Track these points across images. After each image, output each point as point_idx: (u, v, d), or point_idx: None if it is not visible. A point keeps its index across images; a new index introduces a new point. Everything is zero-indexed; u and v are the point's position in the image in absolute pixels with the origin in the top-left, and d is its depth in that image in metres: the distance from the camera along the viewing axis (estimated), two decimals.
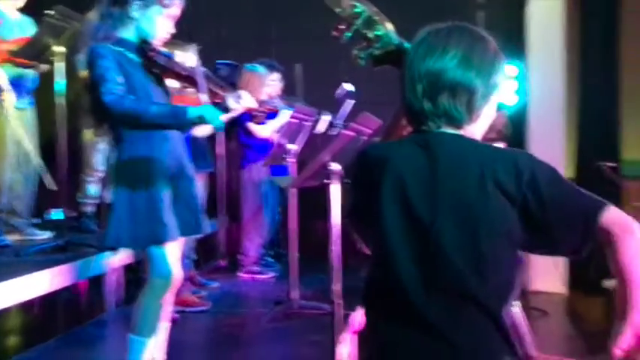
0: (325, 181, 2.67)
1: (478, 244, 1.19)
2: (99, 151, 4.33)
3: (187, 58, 3.73)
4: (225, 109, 2.46)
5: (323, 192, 3.23)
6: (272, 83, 4.68)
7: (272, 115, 4.06)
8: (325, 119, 4.43)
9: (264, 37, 5.69)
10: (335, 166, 2.62)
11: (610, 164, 4.75)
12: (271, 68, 4.71)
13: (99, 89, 2.16)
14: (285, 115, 4.16)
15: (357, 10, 1.60)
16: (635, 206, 4.71)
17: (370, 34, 1.59)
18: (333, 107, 4.63)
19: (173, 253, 2.33)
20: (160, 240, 2.27)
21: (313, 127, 4.05)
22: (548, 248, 1.24)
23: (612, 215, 1.17)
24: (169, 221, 2.29)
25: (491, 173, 1.20)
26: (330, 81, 5.38)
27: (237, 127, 4.58)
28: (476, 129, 1.31)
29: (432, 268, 1.21)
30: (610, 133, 5.47)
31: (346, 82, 4.70)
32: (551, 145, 5.07)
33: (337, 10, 1.62)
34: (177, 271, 2.34)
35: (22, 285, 2.85)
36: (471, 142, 1.29)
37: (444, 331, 1.19)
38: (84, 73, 4.13)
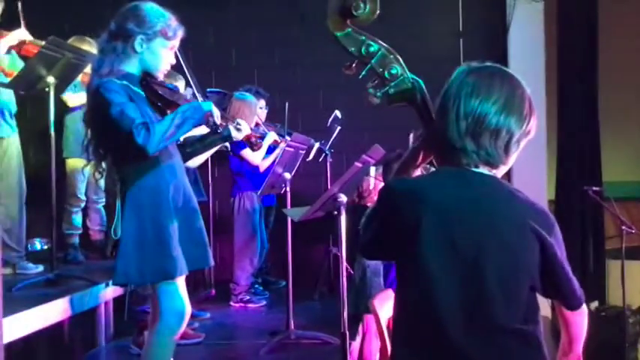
0: (334, 212, 2.70)
1: (517, 280, 1.26)
2: (83, 181, 4.33)
3: (179, 87, 3.78)
4: (228, 138, 2.51)
5: (312, 220, 3.28)
6: (259, 110, 4.73)
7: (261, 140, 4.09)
8: (316, 147, 4.51)
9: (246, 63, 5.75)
10: (344, 198, 2.66)
11: (594, 188, 4.88)
12: (258, 95, 4.77)
13: (126, 129, 2.16)
14: (271, 137, 4.20)
15: (372, 49, 1.63)
16: (617, 224, 4.84)
17: (386, 73, 1.63)
18: (314, 133, 4.73)
19: (183, 287, 2.33)
20: (171, 275, 2.27)
21: (306, 155, 4.09)
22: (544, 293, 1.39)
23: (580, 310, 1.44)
24: (178, 255, 2.28)
25: (531, 223, 1.30)
26: (309, 107, 5.52)
27: (227, 154, 4.61)
28: (503, 170, 1.38)
29: (474, 303, 1.26)
30: (590, 156, 5.63)
31: (334, 109, 4.81)
32: (535, 169, 5.21)
33: (351, 49, 1.65)
34: (188, 306, 2.34)
35: (19, 321, 2.80)
36: (512, 188, 1.37)
37: None
38: (74, 100, 4.19)
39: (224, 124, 2.47)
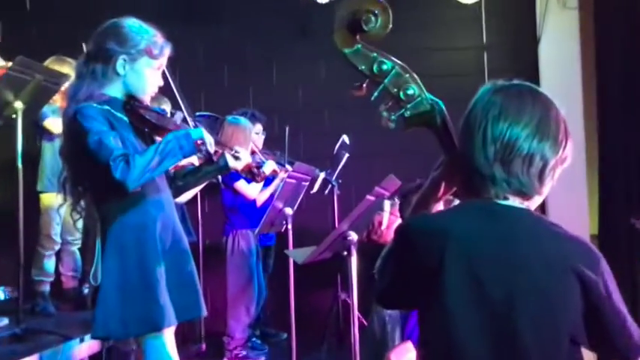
0: (344, 253, 2.72)
1: (556, 332, 1.28)
2: (57, 220, 4.34)
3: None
4: (225, 169, 2.54)
5: (318, 262, 3.29)
6: (255, 136, 4.77)
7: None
8: (320, 177, 4.54)
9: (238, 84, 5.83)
10: (354, 236, 2.68)
11: None
12: (253, 119, 4.82)
13: (103, 162, 2.18)
14: (270, 166, 4.22)
15: (385, 67, 1.67)
16: None
17: (401, 94, 1.67)
18: (319, 162, 4.77)
19: (171, 340, 2.34)
20: (158, 325, 2.27)
21: (310, 187, 4.13)
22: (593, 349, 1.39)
23: None
24: (166, 303, 2.29)
25: (571, 261, 1.31)
26: (313, 132, 5.57)
27: (218, 187, 4.65)
28: (538, 201, 1.40)
29: (506, 354, 1.27)
30: (638, 184, 5.61)
31: (341, 133, 4.85)
32: (574, 199, 5.22)
33: (361, 67, 1.69)
34: None
35: None
36: (547, 222, 1.38)
37: None
38: (58, 125, 4.21)
39: (219, 151, 2.50)
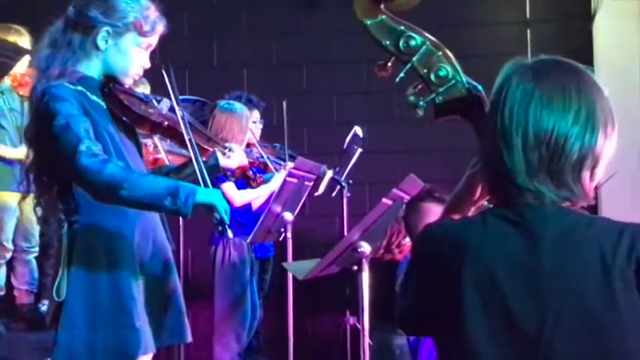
0: (353, 267, 2.73)
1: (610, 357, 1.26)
2: (12, 222, 4.35)
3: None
4: (213, 169, 2.54)
5: (323, 278, 3.29)
6: (252, 125, 4.75)
7: (259, 171, 4.14)
8: (328, 176, 4.53)
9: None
10: (367, 248, 2.69)
11: None
12: (250, 105, 4.81)
13: (69, 147, 2.18)
14: (277, 181, 4.19)
15: (413, 43, 1.67)
16: None
17: (432, 76, 1.67)
18: (324, 156, 4.76)
19: None
20: (130, 353, 2.27)
21: (314, 187, 4.13)
22: None
23: None
24: (143, 326, 2.29)
25: (614, 254, 1.28)
26: (318, 118, 5.56)
27: None
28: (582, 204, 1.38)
29: None
30: None
31: (353, 124, 4.85)
32: (629, 198, 5.20)
33: (385, 42, 1.69)
34: None
35: None
36: (584, 218, 1.35)
37: None
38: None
39: (209, 149, 2.50)
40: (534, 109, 1.34)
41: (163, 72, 2.50)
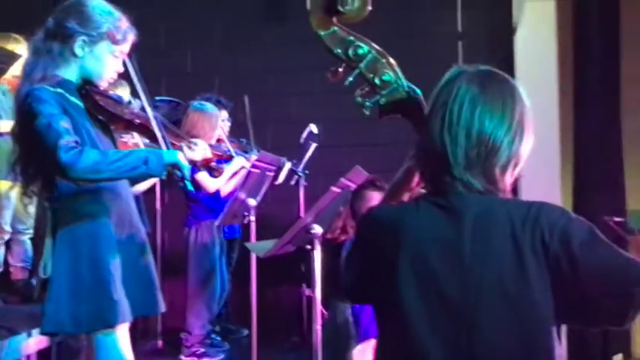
0: (307, 246, 2.71)
1: (525, 326, 1.24)
2: (9, 207, 4.26)
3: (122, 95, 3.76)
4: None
5: (281, 256, 3.26)
6: (221, 123, 4.71)
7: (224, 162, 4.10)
8: (286, 167, 4.51)
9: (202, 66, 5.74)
10: (318, 229, 2.67)
11: (616, 219, 4.93)
12: (219, 105, 4.76)
13: (50, 144, 2.15)
14: (238, 163, 4.20)
15: (361, 51, 1.65)
16: None
17: (376, 80, 1.65)
18: (284, 150, 4.74)
19: (125, 338, 2.30)
20: (110, 322, 2.24)
21: (275, 177, 4.09)
22: (583, 319, 1.34)
23: None
24: (120, 298, 2.26)
25: (523, 226, 1.27)
26: (279, 117, 5.54)
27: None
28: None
29: (468, 357, 1.24)
30: (612, 182, 5.68)
31: (310, 121, 4.83)
32: (546, 196, 5.27)
33: (337, 50, 1.67)
34: None
35: None
36: (499, 199, 1.35)
37: None
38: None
39: (176, 144, 2.46)
40: (479, 113, 1.35)
41: (127, 60, 2.44)
